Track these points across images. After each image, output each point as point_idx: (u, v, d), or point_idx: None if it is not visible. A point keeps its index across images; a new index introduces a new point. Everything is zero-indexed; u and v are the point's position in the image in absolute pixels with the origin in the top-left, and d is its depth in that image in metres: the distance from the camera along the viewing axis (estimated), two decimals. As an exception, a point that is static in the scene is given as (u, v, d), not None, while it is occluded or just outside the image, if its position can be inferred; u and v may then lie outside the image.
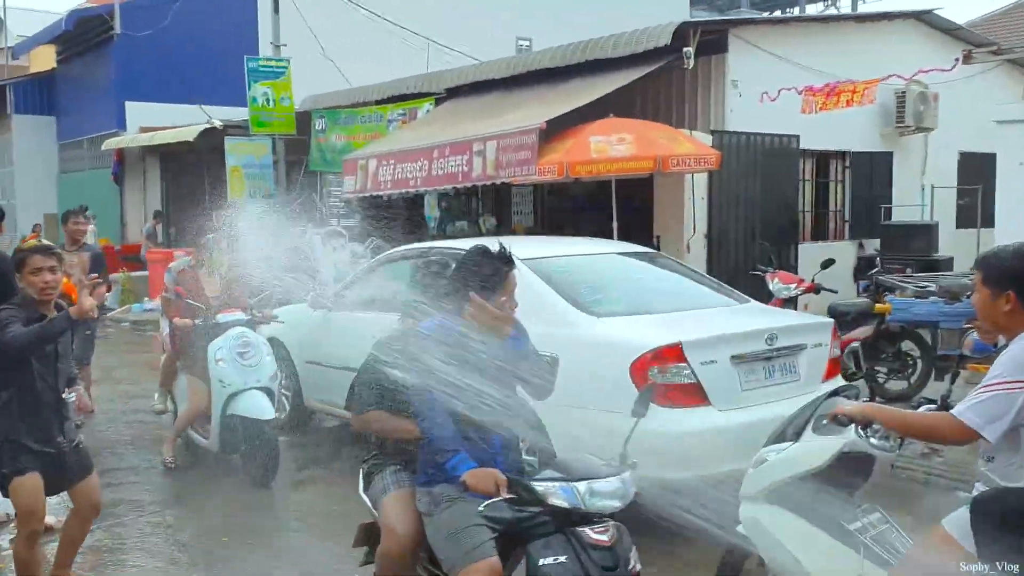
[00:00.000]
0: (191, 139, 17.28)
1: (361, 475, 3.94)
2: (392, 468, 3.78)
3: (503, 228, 14.41)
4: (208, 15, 20.97)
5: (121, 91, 20.99)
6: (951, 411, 2.89)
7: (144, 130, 19.88)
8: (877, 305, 8.08)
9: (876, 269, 9.55)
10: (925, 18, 13.96)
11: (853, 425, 3.13)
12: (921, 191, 14.16)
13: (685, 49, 11.16)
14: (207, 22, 20.95)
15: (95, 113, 22.23)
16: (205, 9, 20.94)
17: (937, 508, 3.62)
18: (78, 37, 22.23)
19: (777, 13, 26.96)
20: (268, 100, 15.85)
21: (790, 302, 8.56)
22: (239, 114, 17.24)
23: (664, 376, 4.78)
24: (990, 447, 2.89)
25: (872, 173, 14.13)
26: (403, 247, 7.18)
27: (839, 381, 5.53)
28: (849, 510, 3.25)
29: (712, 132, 11.65)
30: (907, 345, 8.26)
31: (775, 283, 8.68)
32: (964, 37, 14.05)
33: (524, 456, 3.73)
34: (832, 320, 6.03)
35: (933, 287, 8.03)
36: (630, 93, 12.00)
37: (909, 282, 8.49)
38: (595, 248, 6.86)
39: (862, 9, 24.09)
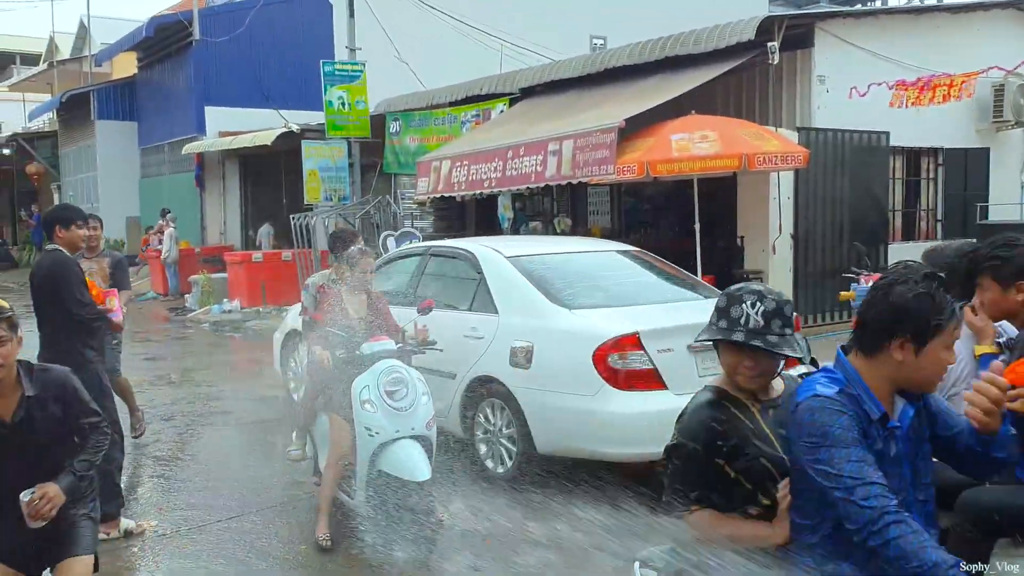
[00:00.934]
0: (268, 143, 17.46)
1: None
2: None
3: (579, 228, 14.17)
4: (284, 20, 21.25)
5: (200, 96, 21.37)
6: None
7: (223, 134, 20.20)
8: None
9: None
10: (1024, 7, 13.34)
11: None
12: (1021, 189, 13.53)
13: (770, 44, 10.79)
14: (283, 27, 21.23)
15: (175, 118, 22.68)
16: (281, 14, 21.22)
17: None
18: (158, 44, 22.71)
19: (858, 6, 26.15)
20: (343, 104, 15.91)
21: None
22: (315, 118, 17.38)
23: (623, 362, 5.31)
24: None
25: (967, 170, 13.54)
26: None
27: (801, 369, 5.78)
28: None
29: (798, 129, 11.27)
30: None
31: (868, 286, 8.27)
32: (1066, 27, 13.37)
33: None
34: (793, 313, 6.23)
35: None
36: (711, 90, 11.68)
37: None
38: (579, 247, 7.50)
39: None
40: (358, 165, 16.70)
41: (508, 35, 18.62)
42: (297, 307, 9.21)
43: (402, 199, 16.90)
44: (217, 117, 21.04)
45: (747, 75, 12.06)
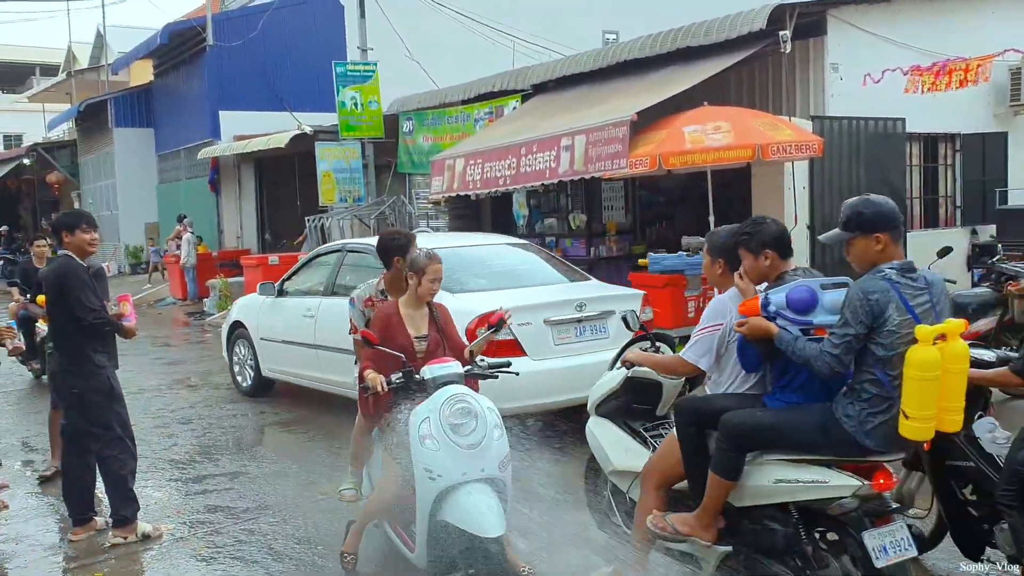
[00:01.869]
0: (282, 145, 17.51)
1: None
2: None
3: (594, 224, 14.11)
4: (296, 22, 21.34)
5: (215, 101, 21.50)
6: (680, 353, 4.12)
7: (238, 138, 20.29)
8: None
9: (997, 256, 8.94)
10: (1041, -12, 13.13)
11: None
12: (1040, 173, 13.33)
13: (781, 32, 10.70)
14: (295, 29, 21.32)
15: (190, 123, 22.83)
16: (293, 16, 21.30)
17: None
18: (173, 50, 22.86)
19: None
20: (356, 104, 15.94)
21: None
22: (329, 119, 17.43)
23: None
24: (708, 373, 4.13)
25: (984, 156, 13.36)
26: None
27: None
28: (647, 417, 4.68)
29: (812, 118, 11.15)
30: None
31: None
32: (1085, 7, 13.15)
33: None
34: (642, 292, 7.88)
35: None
36: (723, 81, 11.59)
37: (1032, 269, 7.93)
38: (476, 240, 8.93)
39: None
40: (372, 165, 16.72)
41: (519, 32, 18.59)
42: (242, 301, 10.24)
43: (417, 199, 16.92)
44: (232, 121, 21.16)
45: (759, 65, 11.95)
